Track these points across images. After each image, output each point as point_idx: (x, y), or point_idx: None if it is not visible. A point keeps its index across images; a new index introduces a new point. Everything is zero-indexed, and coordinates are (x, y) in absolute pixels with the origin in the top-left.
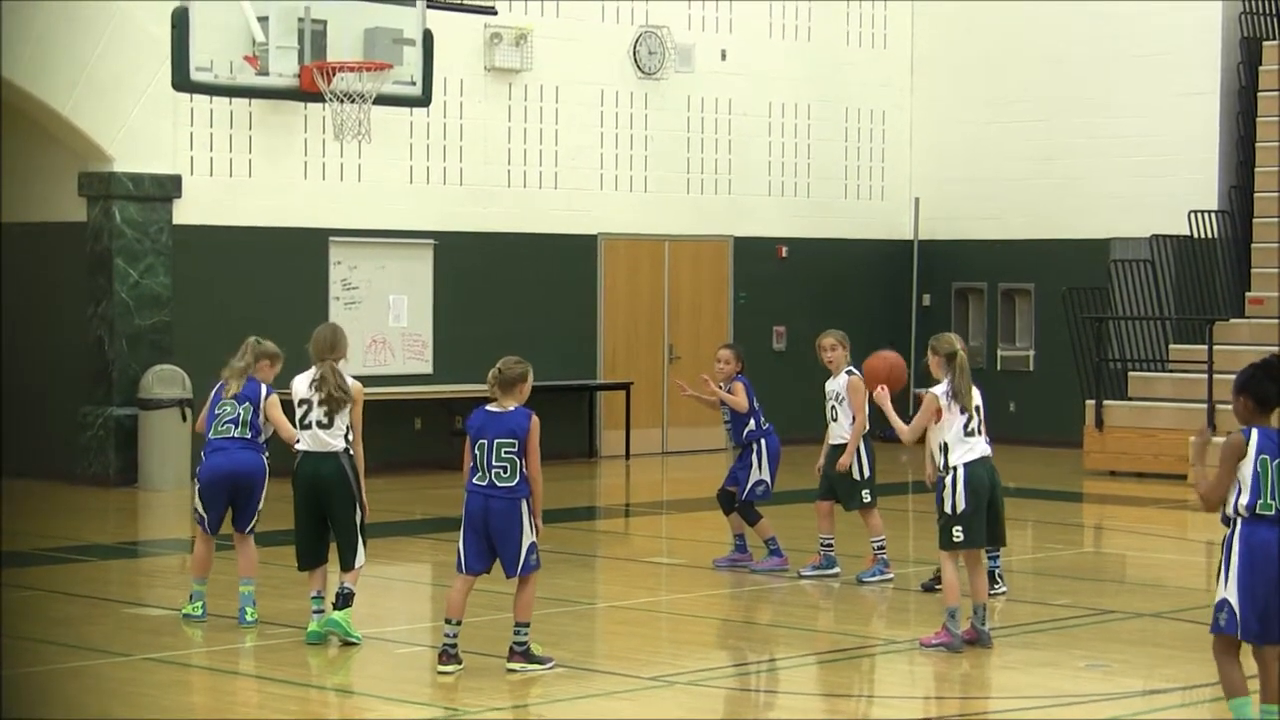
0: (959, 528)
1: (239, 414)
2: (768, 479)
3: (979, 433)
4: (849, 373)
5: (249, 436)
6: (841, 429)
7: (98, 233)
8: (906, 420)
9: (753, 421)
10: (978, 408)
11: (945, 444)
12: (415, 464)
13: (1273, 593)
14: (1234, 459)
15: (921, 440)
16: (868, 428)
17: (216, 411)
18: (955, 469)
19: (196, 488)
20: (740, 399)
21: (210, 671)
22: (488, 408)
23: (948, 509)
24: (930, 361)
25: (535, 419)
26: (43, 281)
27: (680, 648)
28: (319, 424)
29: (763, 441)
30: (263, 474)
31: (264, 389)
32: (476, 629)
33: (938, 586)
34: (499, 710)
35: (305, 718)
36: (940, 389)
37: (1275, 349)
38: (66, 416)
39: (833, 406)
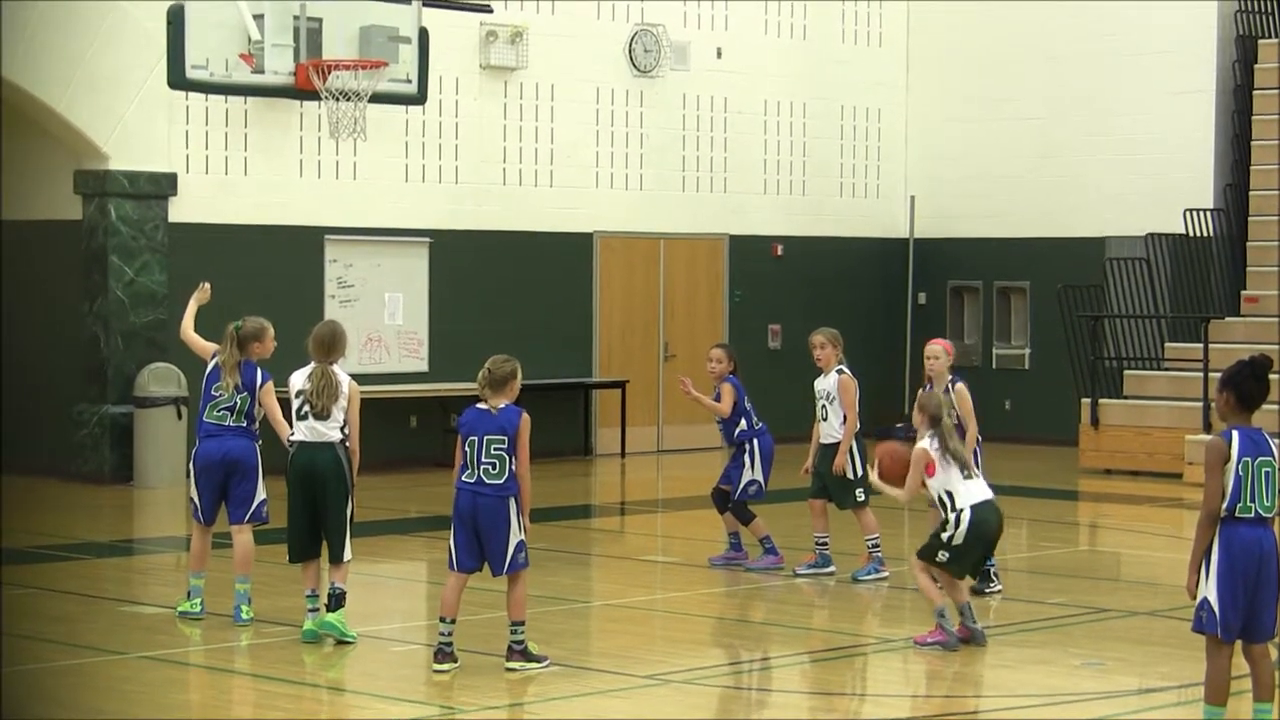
0: (946, 553)
1: (235, 402)
2: (760, 479)
3: (975, 474)
4: (839, 371)
5: (244, 425)
6: (832, 428)
7: (93, 230)
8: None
9: (744, 421)
10: (959, 452)
11: (949, 492)
12: (410, 462)
13: (1255, 592)
14: (1220, 464)
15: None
16: (859, 426)
17: (214, 394)
18: (961, 511)
19: (191, 474)
20: (723, 404)
21: (206, 670)
22: (479, 406)
23: (944, 536)
24: (915, 417)
25: (526, 417)
26: (38, 279)
27: (675, 646)
28: (315, 415)
29: (755, 441)
30: (255, 459)
31: (260, 376)
32: (471, 627)
33: None
34: (495, 708)
35: (300, 716)
36: (930, 445)
37: (1271, 346)
38: (62, 414)
39: (823, 405)
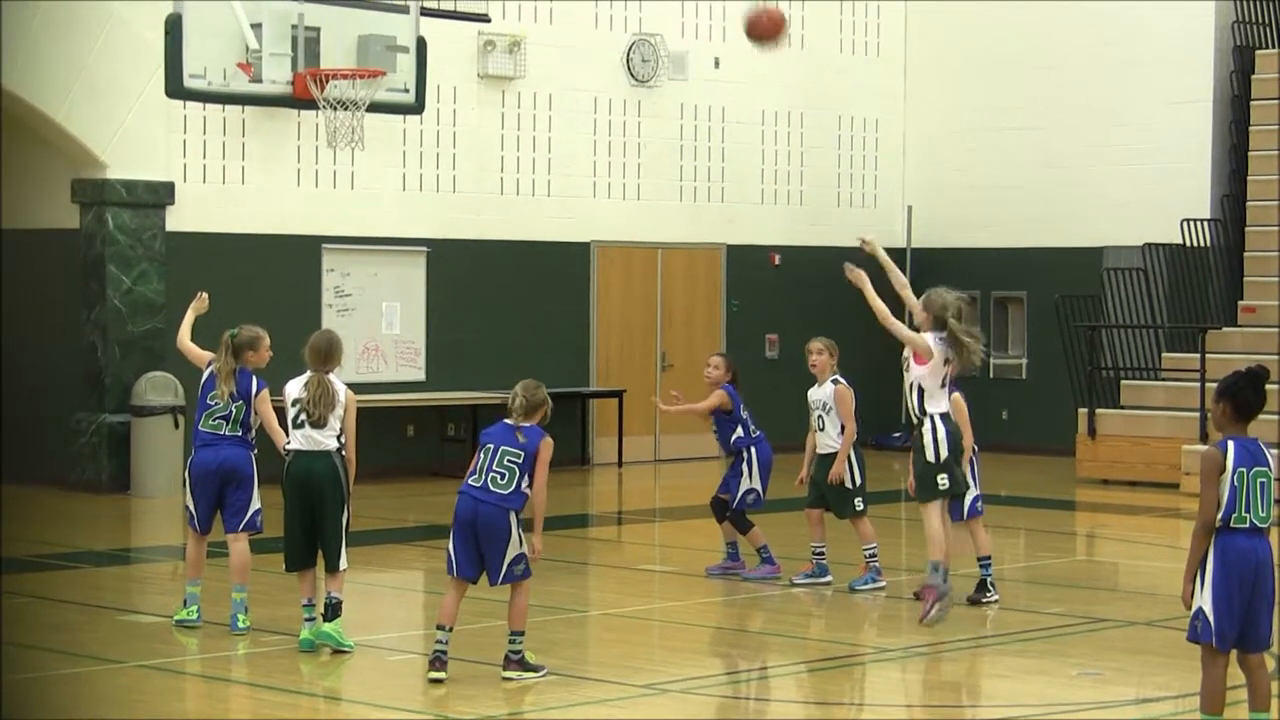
0: (944, 475)
1: (231, 410)
2: (758, 488)
3: (948, 387)
4: (835, 381)
5: (239, 434)
6: (829, 438)
7: (91, 239)
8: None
9: (740, 429)
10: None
11: (922, 389)
12: (407, 471)
13: (1250, 602)
14: (1216, 474)
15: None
16: (856, 435)
17: (209, 403)
18: (933, 417)
19: (186, 482)
20: (703, 403)
21: (203, 679)
22: (506, 422)
23: (930, 457)
24: (917, 315)
25: (549, 441)
26: (36, 288)
27: (673, 655)
28: (312, 423)
29: (753, 449)
30: (250, 468)
31: (255, 384)
32: (468, 635)
33: None
34: (492, 718)
35: None
36: (935, 344)
37: (1269, 357)
38: (59, 423)
39: (819, 416)
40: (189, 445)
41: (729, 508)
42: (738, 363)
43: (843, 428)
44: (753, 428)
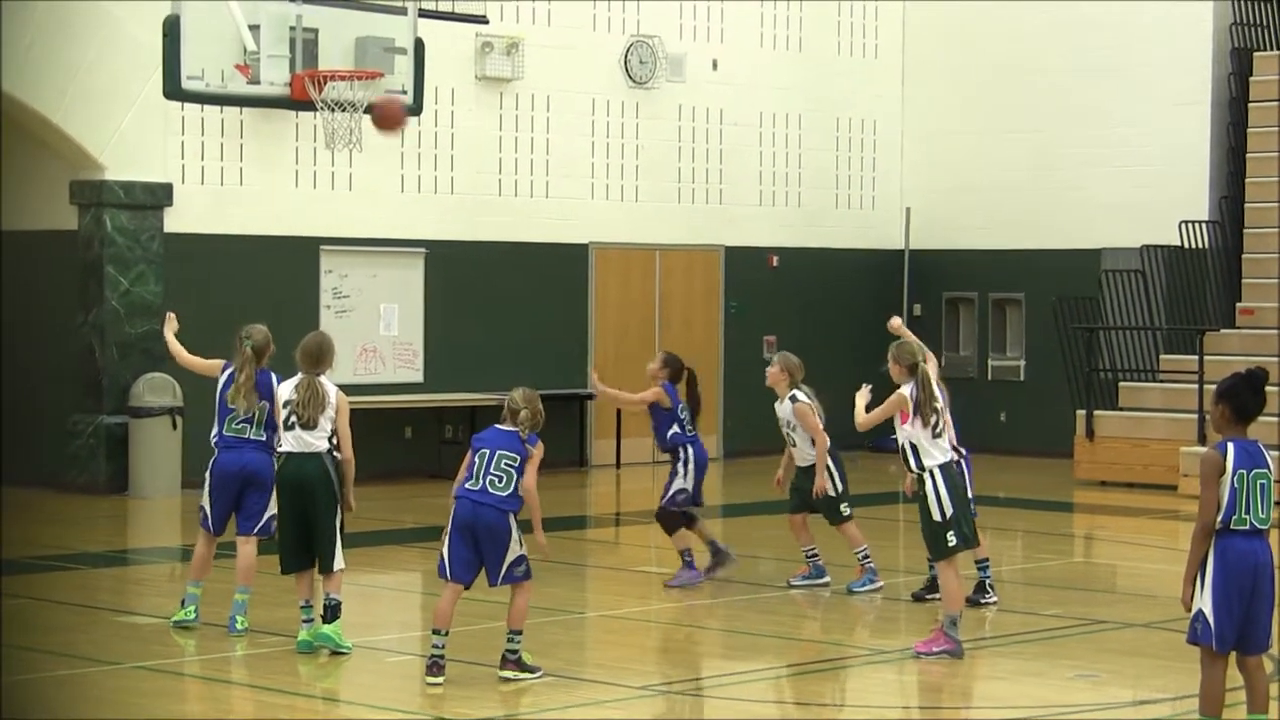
0: (951, 533)
1: (254, 413)
2: (689, 487)
3: (944, 433)
4: (793, 399)
5: (263, 438)
6: (804, 453)
7: (89, 241)
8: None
9: (676, 426)
10: (939, 408)
11: (915, 445)
12: (406, 473)
13: (1250, 604)
14: (1216, 476)
15: (873, 432)
16: (829, 441)
17: (231, 407)
18: (932, 472)
19: (206, 483)
20: (636, 395)
21: (200, 680)
22: (499, 426)
23: (936, 517)
24: (891, 370)
25: (541, 445)
26: (34, 289)
27: (670, 657)
28: (302, 425)
29: (689, 449)
30: (271, 472)
31: (275, 382)
32: (467, 637)
33: (929, 596)
34: (489, 719)
35: None
36: (909, 390)
37: (1267, 359)
38: (57, 424)
39: (788, 433)
40: (188, 446)
41: (684, 516)
42: (735, 363)
43: (814, 441)
44: (689, 427)
